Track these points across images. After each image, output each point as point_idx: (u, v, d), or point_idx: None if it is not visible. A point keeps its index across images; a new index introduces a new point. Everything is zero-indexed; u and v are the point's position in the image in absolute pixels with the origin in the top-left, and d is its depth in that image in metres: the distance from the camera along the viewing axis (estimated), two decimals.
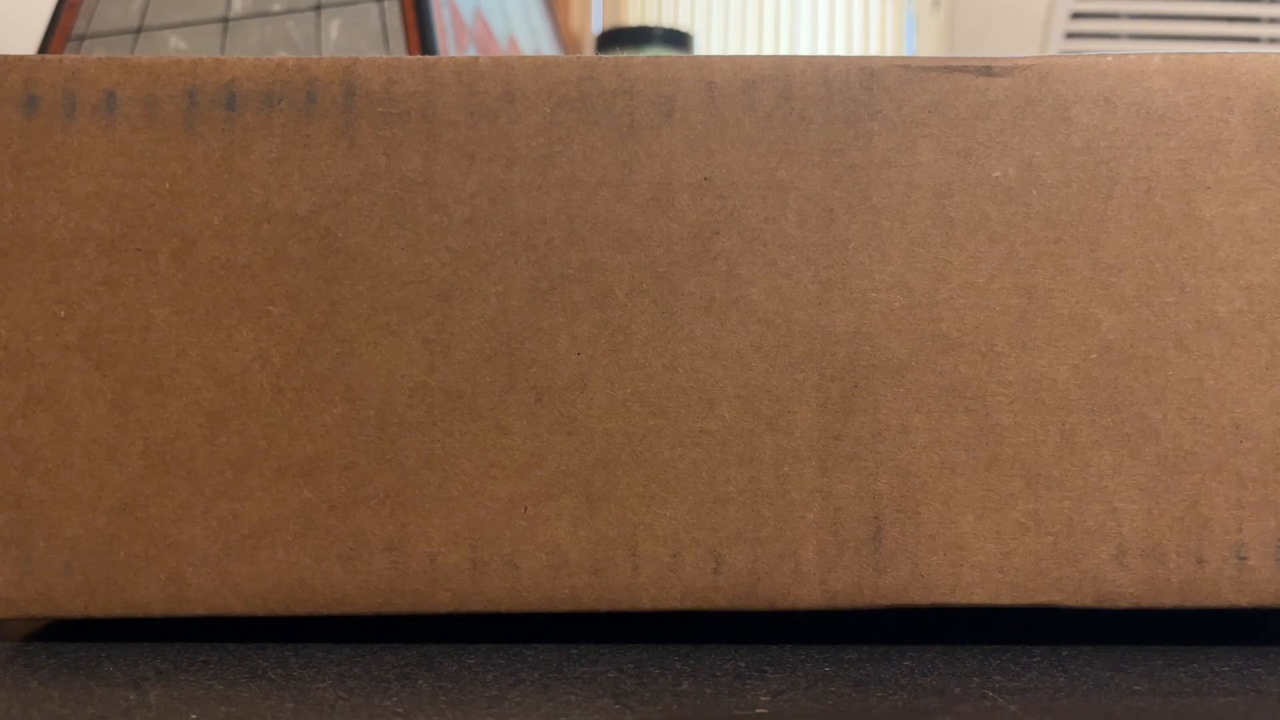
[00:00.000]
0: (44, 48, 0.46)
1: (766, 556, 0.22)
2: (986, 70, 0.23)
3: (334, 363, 0.23)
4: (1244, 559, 0.22)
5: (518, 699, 0.20)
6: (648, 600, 0.23)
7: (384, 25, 0.44)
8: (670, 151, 0.23)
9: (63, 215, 0.23)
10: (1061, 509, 0.22)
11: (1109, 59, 0.23)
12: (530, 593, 0.23)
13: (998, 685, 0.21)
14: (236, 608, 0.23)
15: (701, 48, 0.97)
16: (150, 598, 0.23)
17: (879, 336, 0.22)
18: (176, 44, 0.45)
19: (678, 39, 0.82)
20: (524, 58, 0.23)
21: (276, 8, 0.45)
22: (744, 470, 0.22)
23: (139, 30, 0.45)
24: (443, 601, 0.23)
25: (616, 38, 0.83)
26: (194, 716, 0.19)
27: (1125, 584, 0.22)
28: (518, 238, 0.23)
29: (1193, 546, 0.22)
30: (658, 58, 0.23)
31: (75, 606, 0.23)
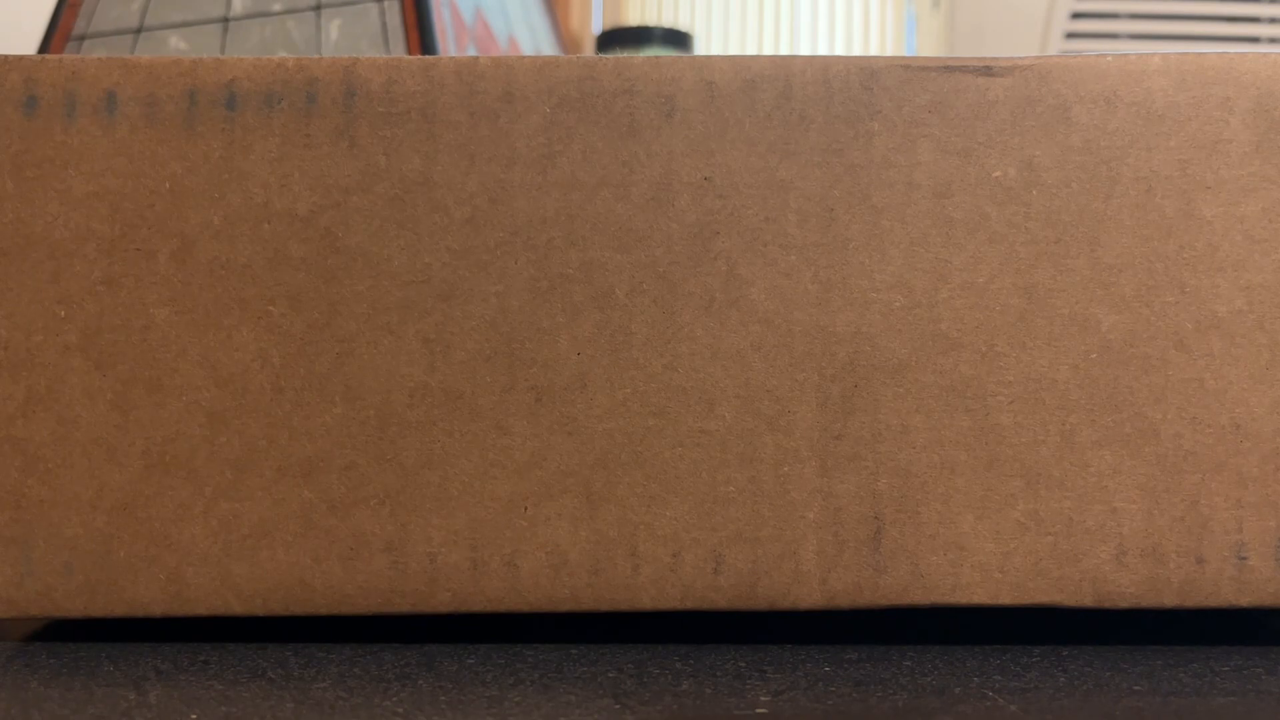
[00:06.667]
0: (44, 48, 0.46)
1: (766, 556, 0.22)
2: (986, 70, 0.23)
3: (334, 363, 0.23)
4: (1244, 559, 0.22)
5: (518, 699, 0.20)
6: (648, 600, 0.23)
7: (384, 25, 0.44)
8: (670, 151, 0.23)
9: (63, 215, 0.23)
10: (1061, 509, 0.22)
11: (1109, 59, 0.23)
12: (530, 593, 0.23)
13: (998, 685, 0.21)
14: (236, 608, 0.23)
15: (701, 48, 0.97)
16: (150, 598, 0.23)
17: (879, 336, 0.22)
18: (176, 44, 0.45)
19: (678, 39, 0.82)
20: (524, 58, 0.23)
21: (276, 8, 0.45)
22: (744, 470, 0.22)
23: (139, 30, 0.45)
24: (443, 601, 0.23)
25: (616, 38, 0.82)
26: (194, 716, 0.19)
27: (1125, 584, 0.22)
28: (518, 238, 0.23)
29: (1193, 546, 0.22)
30: (658, 58, 0.23)
31: (75, 606, 0.23)
